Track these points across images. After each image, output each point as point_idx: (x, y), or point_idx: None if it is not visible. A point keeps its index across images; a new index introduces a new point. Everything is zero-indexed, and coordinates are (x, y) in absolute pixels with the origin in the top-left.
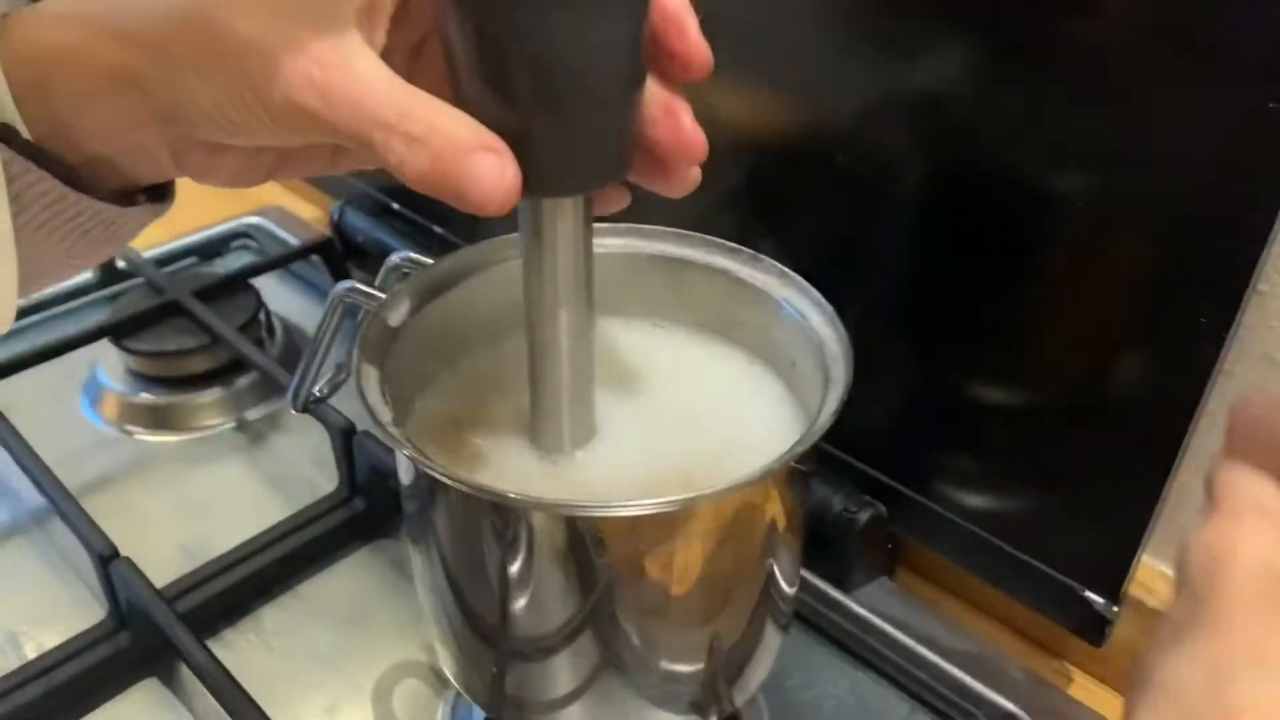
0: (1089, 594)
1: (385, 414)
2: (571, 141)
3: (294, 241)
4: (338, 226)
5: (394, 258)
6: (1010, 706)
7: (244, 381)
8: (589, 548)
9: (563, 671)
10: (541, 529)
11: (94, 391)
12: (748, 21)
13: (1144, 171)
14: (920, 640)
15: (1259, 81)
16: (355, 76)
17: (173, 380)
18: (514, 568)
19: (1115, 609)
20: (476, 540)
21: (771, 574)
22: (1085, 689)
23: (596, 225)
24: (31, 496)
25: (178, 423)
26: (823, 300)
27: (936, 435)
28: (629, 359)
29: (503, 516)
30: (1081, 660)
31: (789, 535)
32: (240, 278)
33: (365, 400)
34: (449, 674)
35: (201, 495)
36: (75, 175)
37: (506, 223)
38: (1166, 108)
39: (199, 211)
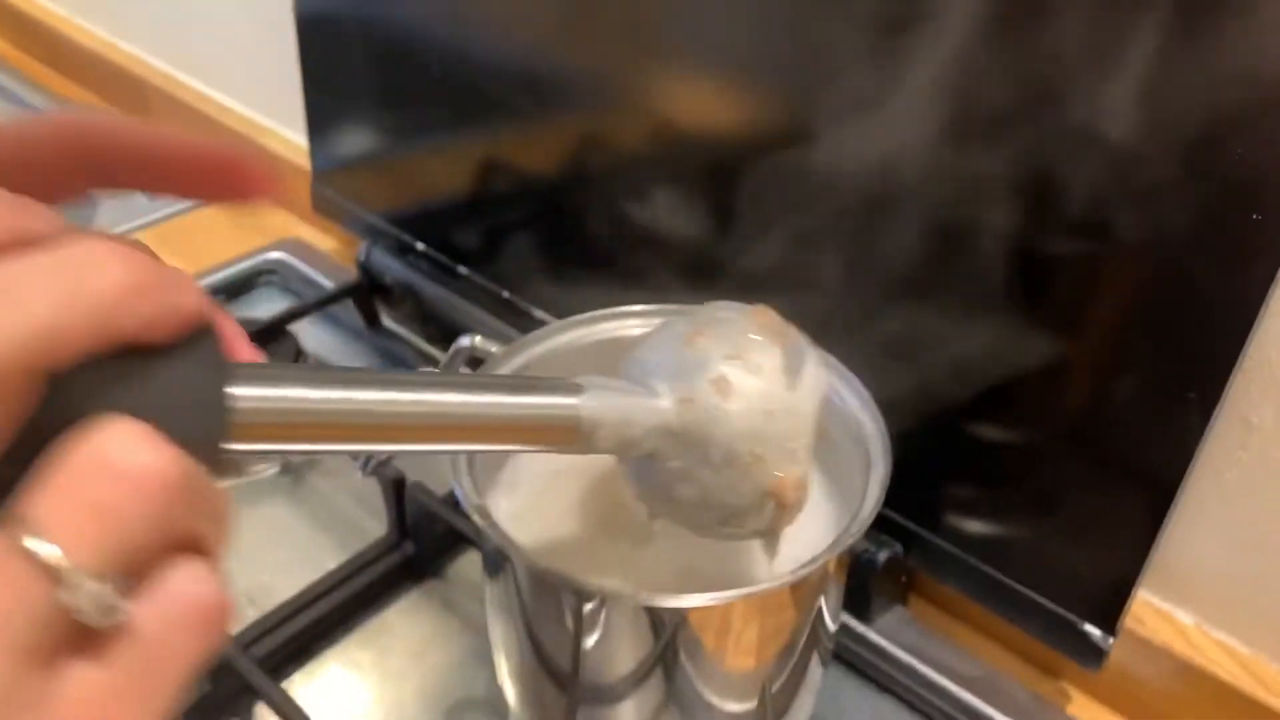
0: (1087, 626)
1: (480, 507)
2: None
3: (318, 276)
4: (364, 266)
5: (463, 341)
6: None
7: None
8: (657, 628)
9: (628, 715)
10: (617, 612)
11: None
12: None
13: (1140, 265)
14: (934, 666)
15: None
16: None
17: None
18: (590, 639)
19: (1111, 640)
20: (558, 614)
21: (817, 626)
22: (1082, 706)
23: (635, 308)
24: None
25: (225, 469)
26: (859, 383)
27: (946, 479)
28: None
29: (583, 598)
30: (1079, 681)
31: (834, 592)
32: (278, 324)
33: (461, 495)
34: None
35: (254, 540)
36: None
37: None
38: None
39: (221, 245)
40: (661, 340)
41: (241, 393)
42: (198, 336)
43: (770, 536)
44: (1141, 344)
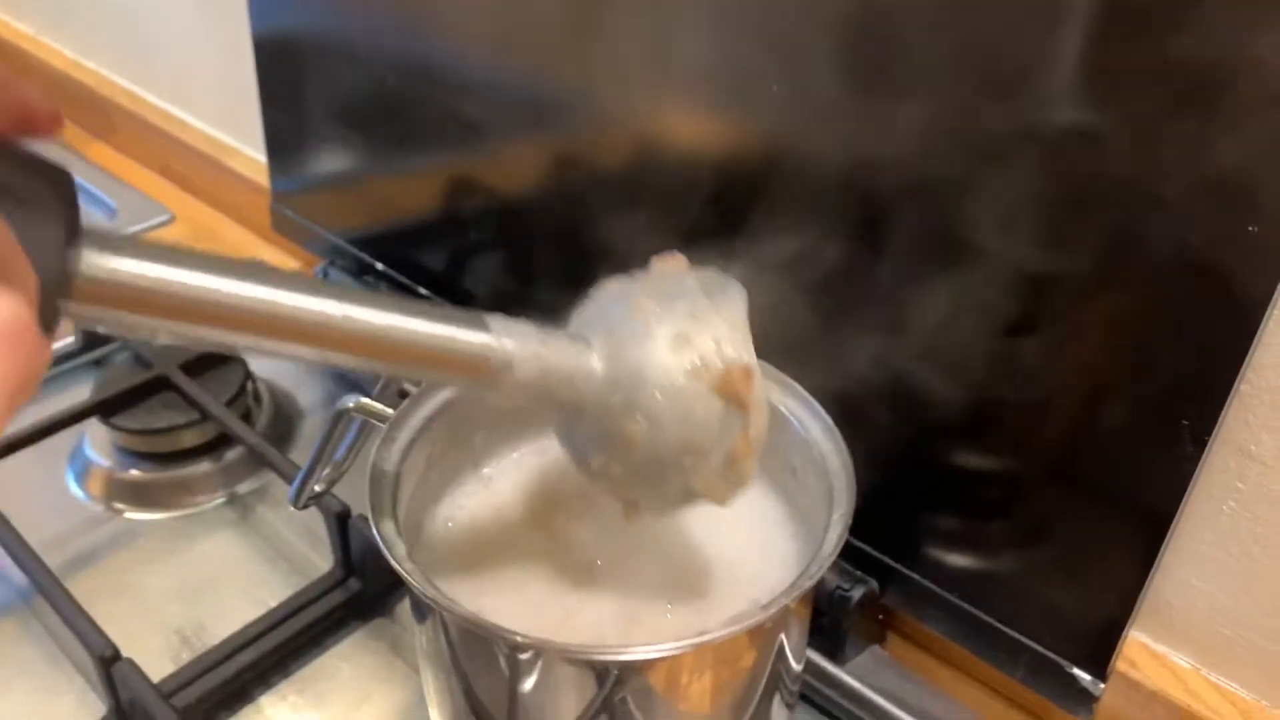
0: (1076, 670)
1: (399, 549)
2: None
3: None
4: None
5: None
6: None
7: (233, 455)
8: (600, 681)
9: None
10: (556, 665)
11: (80, 466)
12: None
13: (1127, 283)
14: (913, 712)
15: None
16: None
17: (161, 456)
18: (527, 692)
19: (1101, 685)
20: (491, 666)
21: (779, 668)
22: None
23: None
24: (15, 573)
25: (167, 499)
26: (823, 412)
27: (925, 511)
28: None
29: (516, 650)
30: None
31: (797, 632)
32: None
33: (379, 538)
34: None
35: (194, 575)
36: None
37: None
38: (1153, 228)
39: None
40: (584, 306)
41: (90, 255)
42: (54, 173)
43: (738, 468)
44: (1131, 367)
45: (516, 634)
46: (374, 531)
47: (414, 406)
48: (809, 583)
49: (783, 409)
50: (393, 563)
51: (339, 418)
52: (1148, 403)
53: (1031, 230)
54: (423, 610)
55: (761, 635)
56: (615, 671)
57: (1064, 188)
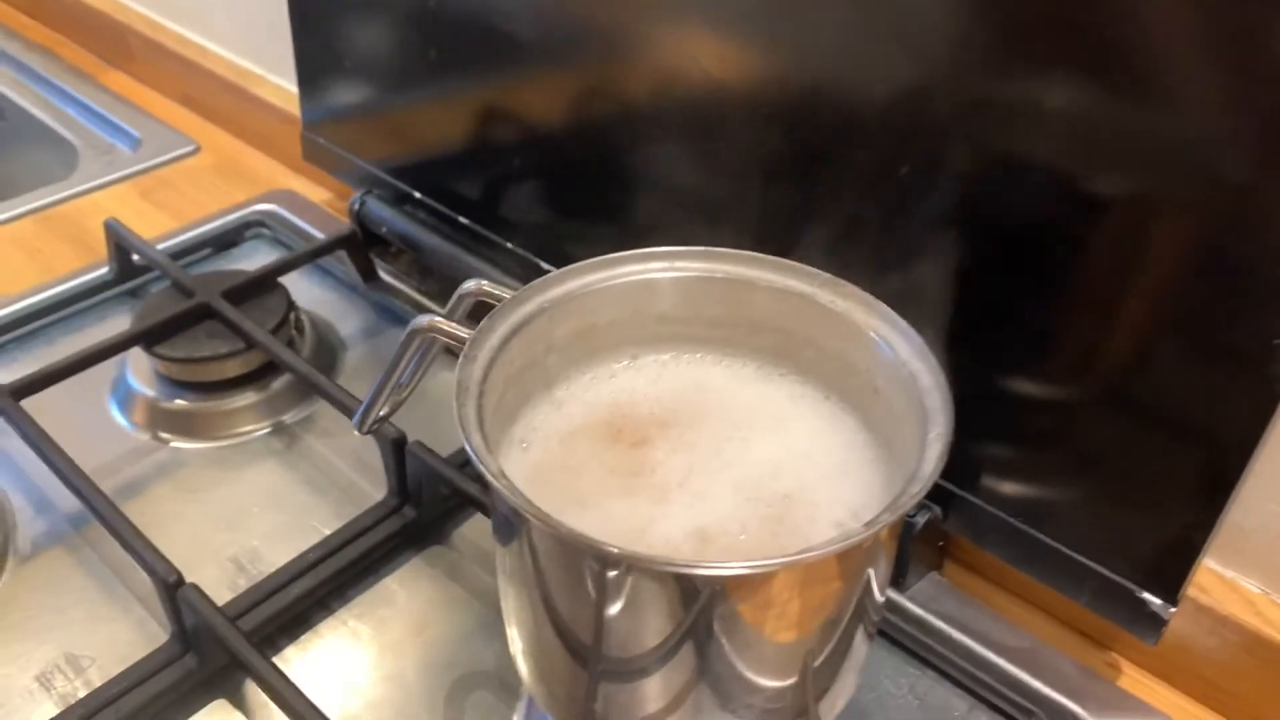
0: (1146, 595)
1: (493, 464)
2: None
3: (309, 228)
4: (358, 217)
5: (469, 284)
6: (1066, 702)
7: (279, 384)
8: (689, 598)
9: (653, 696)
10: (645, 581)
11: (123, 394)
12: None
13: (1211, 189)
14: (975, 637)
15: None
16: None
17: (205, 385)
18: (613, 609)
19: (1172, 610)
20: (578, 581)
21: (864, 598)
22: (1135, 680)
23: (660, 250)
24: (68, 503)
25: (213, 429)
26: (913, 331)
27: (989, 433)
28: (701, 398)
29: (605, 565)
30: (1130, 652)
31: (883, 561)
32: (269, 276)
33: (471, 451)
34: (534, 694)
35: (244, 504)
36: None
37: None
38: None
39: (207, 198)
40: None
41: None
42: None
43: None
44: (1218, 284)
45: (611, 547)
46: (467, 446)
47: (491, 325)
48: (911, 501)
49: (869, 330)
50: (488, 477)
51: (411, 338)
52: (1235, 323)
53: (1098, 146)
54: (510, 529)
55: (853, 559)
56: (708, 590)
57: (1129, 102)
